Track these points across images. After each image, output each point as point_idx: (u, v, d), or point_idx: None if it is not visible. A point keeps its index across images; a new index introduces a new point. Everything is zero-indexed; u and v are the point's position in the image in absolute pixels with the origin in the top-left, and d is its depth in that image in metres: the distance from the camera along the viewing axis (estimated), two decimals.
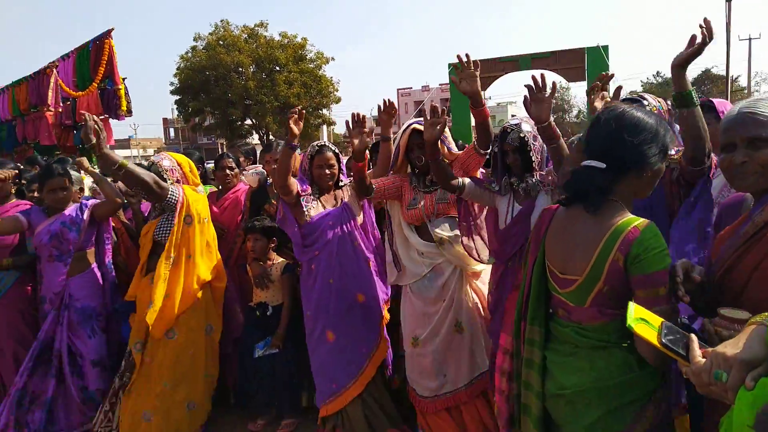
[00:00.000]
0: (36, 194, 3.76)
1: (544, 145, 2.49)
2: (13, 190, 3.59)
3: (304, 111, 2.99)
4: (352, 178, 3.09)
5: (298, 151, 3.16)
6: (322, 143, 3.25)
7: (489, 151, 2.76)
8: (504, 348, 1.97)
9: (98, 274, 3.45)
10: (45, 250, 3.29)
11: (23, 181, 3.79)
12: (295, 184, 3.09)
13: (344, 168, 3.36)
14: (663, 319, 1.25)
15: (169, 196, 3.16)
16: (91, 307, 3.34)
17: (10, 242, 3.44)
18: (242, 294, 3.81)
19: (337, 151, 3.25)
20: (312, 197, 3.20)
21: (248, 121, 28.91)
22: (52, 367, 3.24)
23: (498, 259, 2.72)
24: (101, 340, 3.38)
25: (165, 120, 45.90)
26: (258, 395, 3.50)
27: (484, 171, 2.98)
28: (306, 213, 3.12)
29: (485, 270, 2.98)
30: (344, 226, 3.16)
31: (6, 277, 3.41)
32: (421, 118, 2.76)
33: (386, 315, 3.24)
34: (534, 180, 2.57)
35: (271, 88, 26.66)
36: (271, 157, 3.95)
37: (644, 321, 1.24)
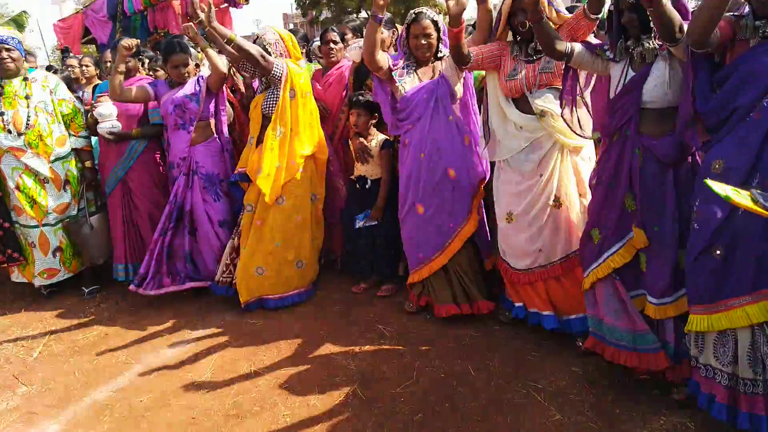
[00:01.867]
0: (153, 72, 4.08)
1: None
2: (141, 68, 3.94)
3: None
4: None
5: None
6: (420, 10, 3.10)
7: (600, 16, 2.50)
8: None
9: (219, 144, 3.72)
10: (170, 119, 3.57)
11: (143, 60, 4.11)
12: (384, 58, 3.10)
13: (445, 38, 3.18)
14: (748, 191, 1.21)
15: (274, 69, 3.31)
16: (215, 174, 3.64)
17: (136, 113, 3.80)
18: (346, 168, 3.94)
19: (436, 19, 3.08)
20: (409, 70, 3.15)
21: (363, 14, 28.25)
22: (185, 226, 3.63)
23: (603, 133, 2.48)
24: (225, 203, 3.70)
25: (285, 15, 46.52)
26: (360, 262, 3.72)
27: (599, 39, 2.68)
28: (401, 87, 3.11)
29: (586, 146, 2.80)
30: (439, 99, 3.08)
31: (136, 145, 3.82)
32: None
33: (481, 191, 3.19)
34: (651, 43, 2.23)
35: None
36: None
37: (735, 192, 1.17)
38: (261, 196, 3.40)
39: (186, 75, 3.58)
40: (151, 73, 4.15)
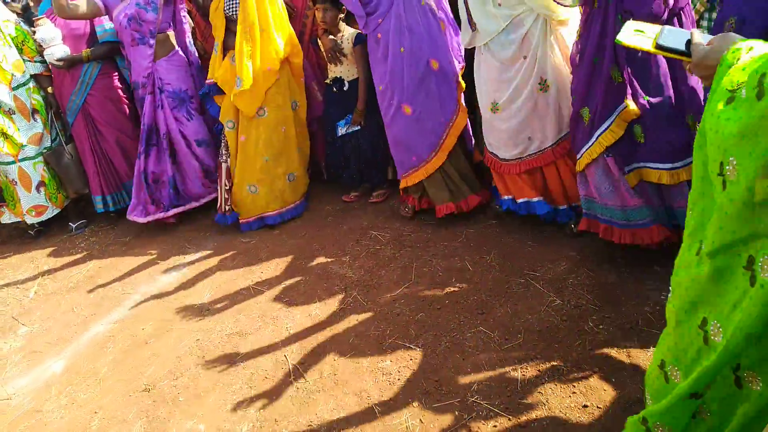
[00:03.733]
0: None
1: None
2: None
3: None
4: None
5: None
6: None
7: None
8: None
9: (183, 57, 3.47)
10: (126, 35, 3.28)
11: None
12: None
13: None
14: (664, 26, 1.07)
15: None
16: (183, 90, 3.43)
17: (83, 32, 3.47)
18: (320, 72, 3.71)
19: None
20: None
21: None
22: (164, 150, 3.48)
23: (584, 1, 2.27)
24: (200, 121, 3.53)
25: None
26: (347, 171, 3.59)
27: None
28: None
29: (574, 17, 2.54)
30: None
31: (90, 69, 3.52)
32: None
33: (462, 83, 2.98)
34: None
35: None
36: None
37: (640, 32, 1.08)
38: (240, 110, 3.22)
39: None
40: None
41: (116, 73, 3.64)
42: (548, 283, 2.44)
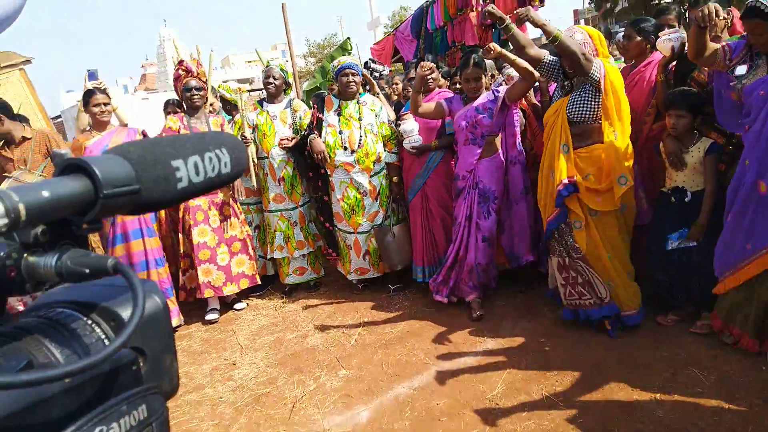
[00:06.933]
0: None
1: None
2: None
3: None
4: None
5: None
6: None
7: None
8: None
9: (502, 160, 3.72)
10: (462, 135, 3.71)
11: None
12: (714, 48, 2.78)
13: None
14: None
15: (593, 70, 3.04)
16: (491, 190, 3.67)
17: (435, 125, 4.07)
18: (652, 178, 3.47)
19: None
20: (756, 59, 2.69)
21: None
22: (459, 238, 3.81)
23: None
24: (493, 220, 3.70)
25: (576, 12, 44.38)
26: (672, 289, 3.22)
27: None
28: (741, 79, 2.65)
29: None
30: None
31: (434, 156, 4.08)
32: None
33: None
34: None
35: None
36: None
37: None
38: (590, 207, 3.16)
39: (478, 89, 3.64)
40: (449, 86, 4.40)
41: (453, 162, 4.11)
42: None
